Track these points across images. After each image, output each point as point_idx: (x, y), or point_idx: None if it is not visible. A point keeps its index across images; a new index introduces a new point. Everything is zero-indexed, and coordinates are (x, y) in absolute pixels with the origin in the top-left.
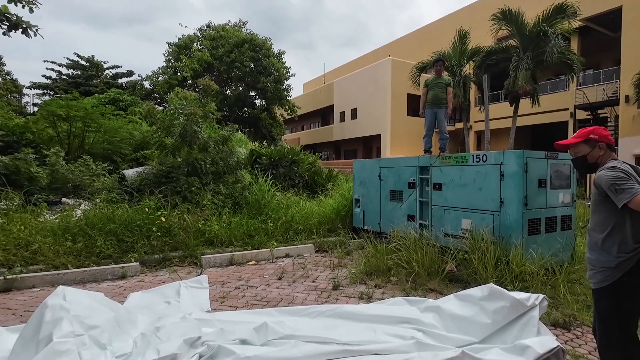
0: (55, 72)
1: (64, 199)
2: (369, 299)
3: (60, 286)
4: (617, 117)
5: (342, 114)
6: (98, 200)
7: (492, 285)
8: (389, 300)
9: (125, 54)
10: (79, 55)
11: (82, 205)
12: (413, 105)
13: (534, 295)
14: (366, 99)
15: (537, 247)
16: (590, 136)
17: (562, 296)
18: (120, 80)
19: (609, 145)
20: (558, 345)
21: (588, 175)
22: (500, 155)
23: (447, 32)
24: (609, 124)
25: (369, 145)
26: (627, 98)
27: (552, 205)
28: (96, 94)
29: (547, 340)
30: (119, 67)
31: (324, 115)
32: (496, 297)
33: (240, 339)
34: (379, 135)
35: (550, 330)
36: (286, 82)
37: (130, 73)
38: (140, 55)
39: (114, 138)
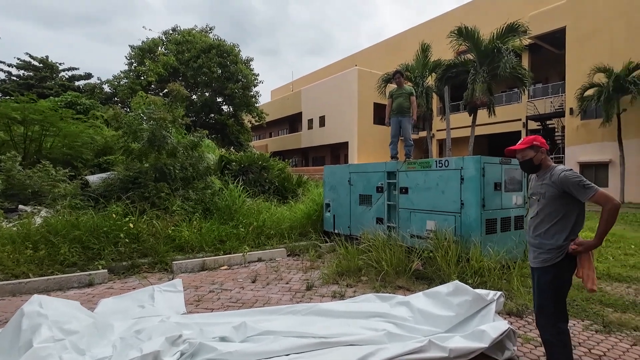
0: (4, 72)
1: (20, 206)
2: (341, 297)
3: (35, 295)
4: (563, 127)
5: (310, 121)
6: (59, 207)
7: (457, 282)
8: (361, 297)
9: (80, 55)
10: (31, 56)
11: (42, 212)
12: (379, 114)
13: (493, 292)
14: (334, 107)
15: (494, 245)
16: (534, 143)
17: (515, 288)
18: (77, 83)
19: (547, 150)
20: (509, 328)
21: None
22: (461, 161)
23: (410, 45)
24: (556, 134)
25: (337, 153)
26: (571, 110)
27: (506, 207)
28: (51, 97)
29: (500, 325)
30: (75, 69)
31: (292, 122)
32: (460, 292)
33: (220, 337)
34: (347, 142)
35: (505, 318)
36: (254, 89)
37: (88, 75)
38: (97, 57)
39: (74, 143)
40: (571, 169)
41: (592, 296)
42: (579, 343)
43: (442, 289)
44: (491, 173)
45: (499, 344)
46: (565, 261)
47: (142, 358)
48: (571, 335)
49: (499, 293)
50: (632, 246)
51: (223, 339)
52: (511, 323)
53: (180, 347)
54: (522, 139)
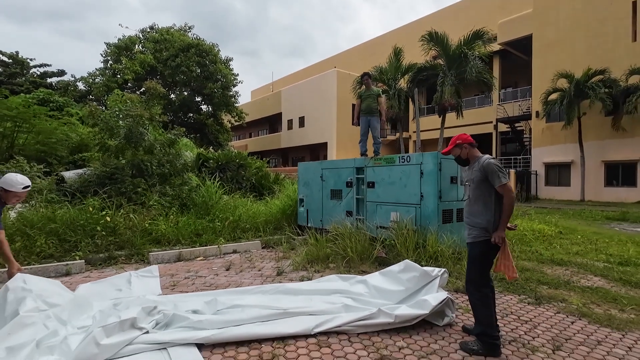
0: None
1: None
2: (308, 280)
3: (19, 273)
4: (531, 129)
5: (290, 122)
6: (33, 202)
7: (407, 260)
8: (325, 277)
9: (51, 51)
10: None
11: (17, 206)
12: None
13: (438, 269)
14: (313, 108)
15: (448, 233)
16: (457, 142)
17: (464, 270)
18: (49, 80)
19: (471, 144)
20: (447, 297)
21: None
22: (420, 157)
23: (388, 48)
24: (524, 136)
25: (316, 153)
26: (537, 113)
27: (461, 199)
28: (22, 94)
29: (439, 295)
30: (47, 65)
31: (272, 122)
32: (409, 269)
33: (192, 310)
34: (326, 143)
35: (453, 294)
36: (234, 89)
37: (61, 72)
38: (69, 54)
39: (49, 140)
40: (495, 158)
41: (531, 276)
42: (511, 312)
43: (395, 267)
44: (448, 168)
45: (439, 312)
46: (487, 242)
47: (121, 323)
48: (506, 307)
49: (443, 270)
50: (579, 237)
51: (195, 312)
52: (457, 299)
53: (155, 316)
54: (451, 139)
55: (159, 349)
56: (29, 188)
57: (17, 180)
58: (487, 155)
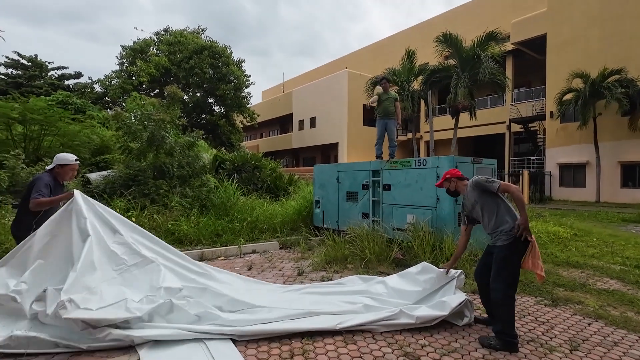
0: None
1: None
2: (329, 281)
3: (75, 191)
4: (544, 130)
5: (301, 122)
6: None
7: (424, 262)
8: (346, 278)
9: (64, 53)
10: (19, 54)
11: None
12: (368, 116)
13: (454, 270)
14: (324, 109)
15: None
16: (447, 176)
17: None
18: (67, 82)
19: (459, 177)
20: (465, 299)
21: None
22: (437, 160)
23: (399, 48)
24: (538, 136)
25: (327, 153)
26: (551, 114)
27: None
28: (42, 96)
29: (458, 297)
30: (65, 68)
31: (283, 123)
32: (427, 271)
33: (216, 306)
34: (337, 143)
35: (470, 295)
36: (246, 90)
37: (78, 75)
38: (83, 55)
39: (73, 142)
40: (479, 176)
41: (548, 278)
42: (529, 313)
43: (413, 269)
44: (464, 171)
45: (459, 313)
46: (517, 242)
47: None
48: (523, 308)
49: (459, 271)
50: (595, 239)
51: (219, 308)
52: (474, 299)
53: (181, 300)
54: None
55: (197, 341)
56: (79, 161)
57: (68, 155)
58: (464, 180)
